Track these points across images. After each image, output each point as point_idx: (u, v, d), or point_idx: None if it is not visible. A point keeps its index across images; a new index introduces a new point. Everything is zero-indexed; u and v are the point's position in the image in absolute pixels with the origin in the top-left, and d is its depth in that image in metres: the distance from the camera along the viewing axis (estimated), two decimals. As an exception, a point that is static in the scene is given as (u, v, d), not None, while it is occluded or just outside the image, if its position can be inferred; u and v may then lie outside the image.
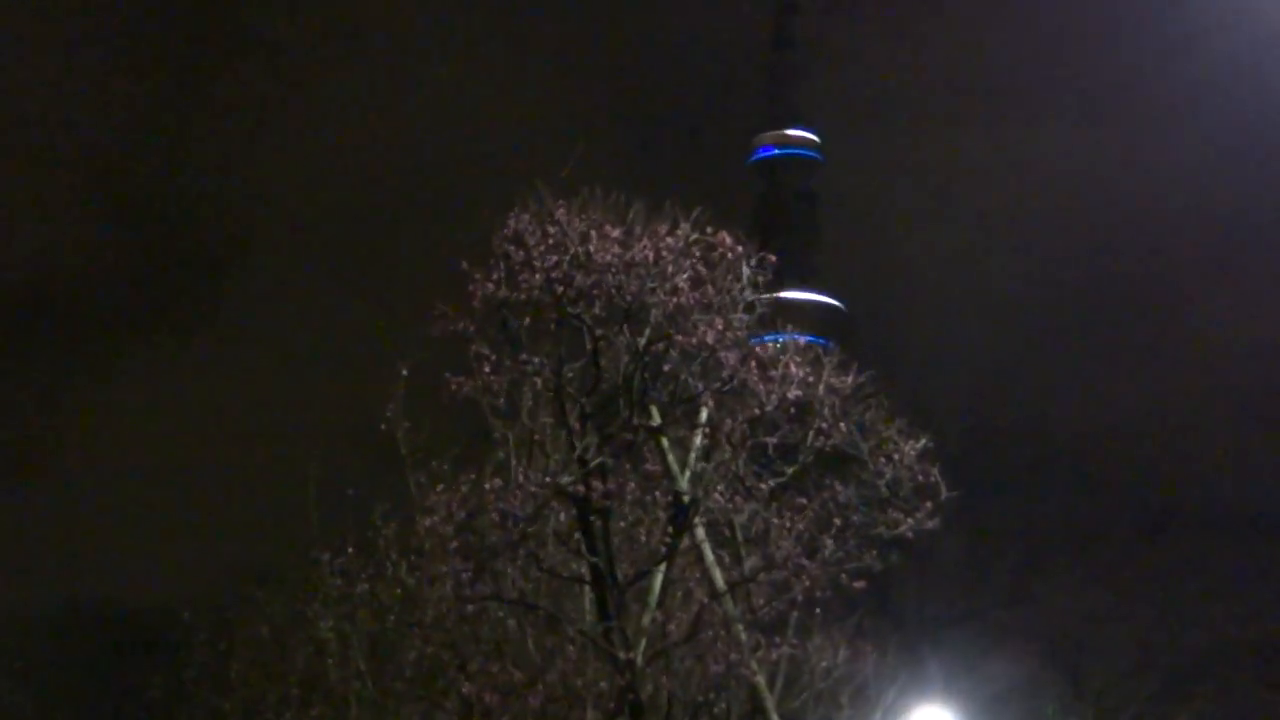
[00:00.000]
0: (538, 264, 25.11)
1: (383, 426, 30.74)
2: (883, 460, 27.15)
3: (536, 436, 25.66)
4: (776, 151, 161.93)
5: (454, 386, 25.66)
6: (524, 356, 25.34)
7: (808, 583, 26.18)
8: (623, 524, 27.04)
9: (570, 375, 26.12)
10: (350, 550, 31.66)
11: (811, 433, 26.92)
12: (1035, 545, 59.05)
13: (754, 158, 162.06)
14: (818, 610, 30.50)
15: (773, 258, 26.23)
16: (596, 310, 25.76)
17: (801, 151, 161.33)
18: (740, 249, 25.92)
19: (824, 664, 29.85)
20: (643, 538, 26.78)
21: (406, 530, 29.29)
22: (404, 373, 30.10)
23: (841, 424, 26.97)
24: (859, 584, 26.78)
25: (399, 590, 30.87)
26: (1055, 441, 65.19)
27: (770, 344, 26.69)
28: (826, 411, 26.71)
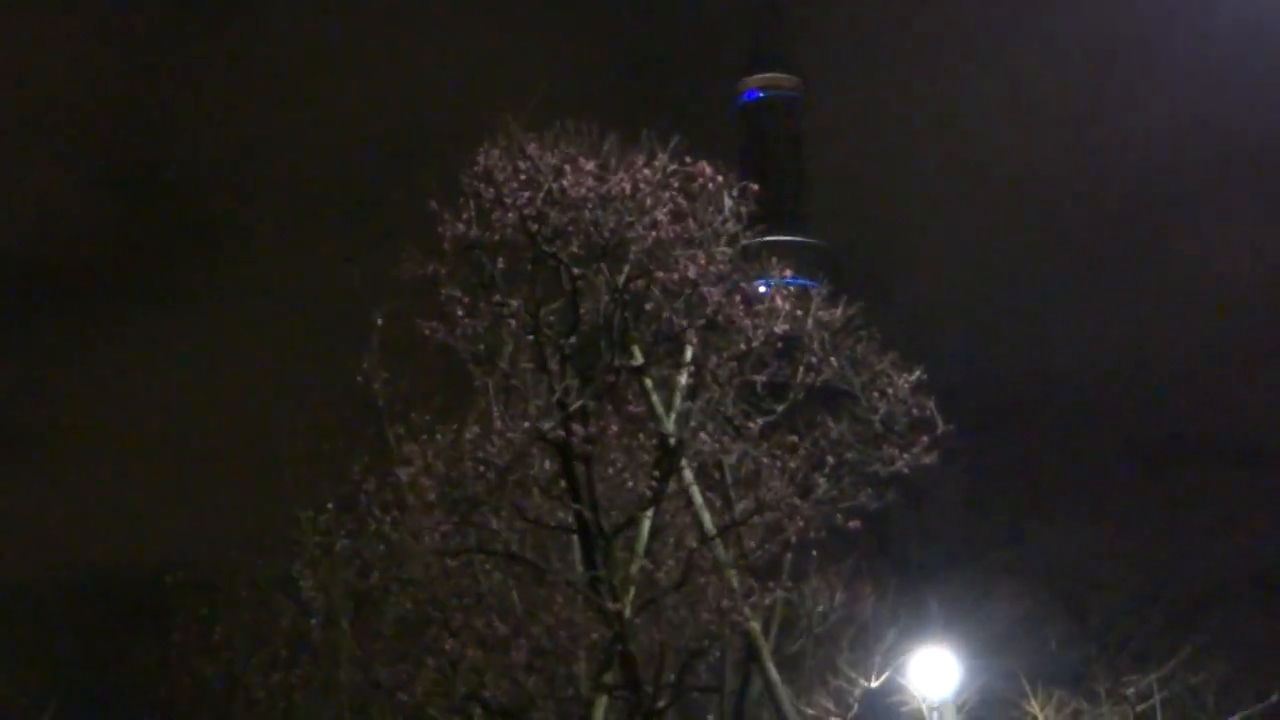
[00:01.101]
0: (509, 201, 23.98)
1: (359, 379, 29.70)
2: (876, 395, 26.06)
3: (513, 381, 24.48)
4: (760, 94, 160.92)
5: (427, 332, 24.54)
6: (498, 298, 24.19)
7: (801, 524, 25.16)
8: (610, 470, 25.96)
9: (549, 316, 25.02)
10: (330, 507, 30.60)
11: (802, 369, 25.81)
12: (1035, 483, 58.26)
13: (738, 101, 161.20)
14: (814, 553, 29.63)
15: (755, 187, 25.18)
16: (574, 248, 24.68)
17: (786, 93, 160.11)
18: (721, 179, 24.74)
19: (820, 608, 28.80)
20: (629, 483, 25.63)
21: (387, 484, 28.21)
22: (379, 321, 29.02)
23: (832, 359, 25.88)
24: (854, 523, 25.74)
25: (382, 546, 29.87)
26: (1053, 379, 64.40)
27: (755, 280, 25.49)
28: (816, 346, 25.59)
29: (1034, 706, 46.88)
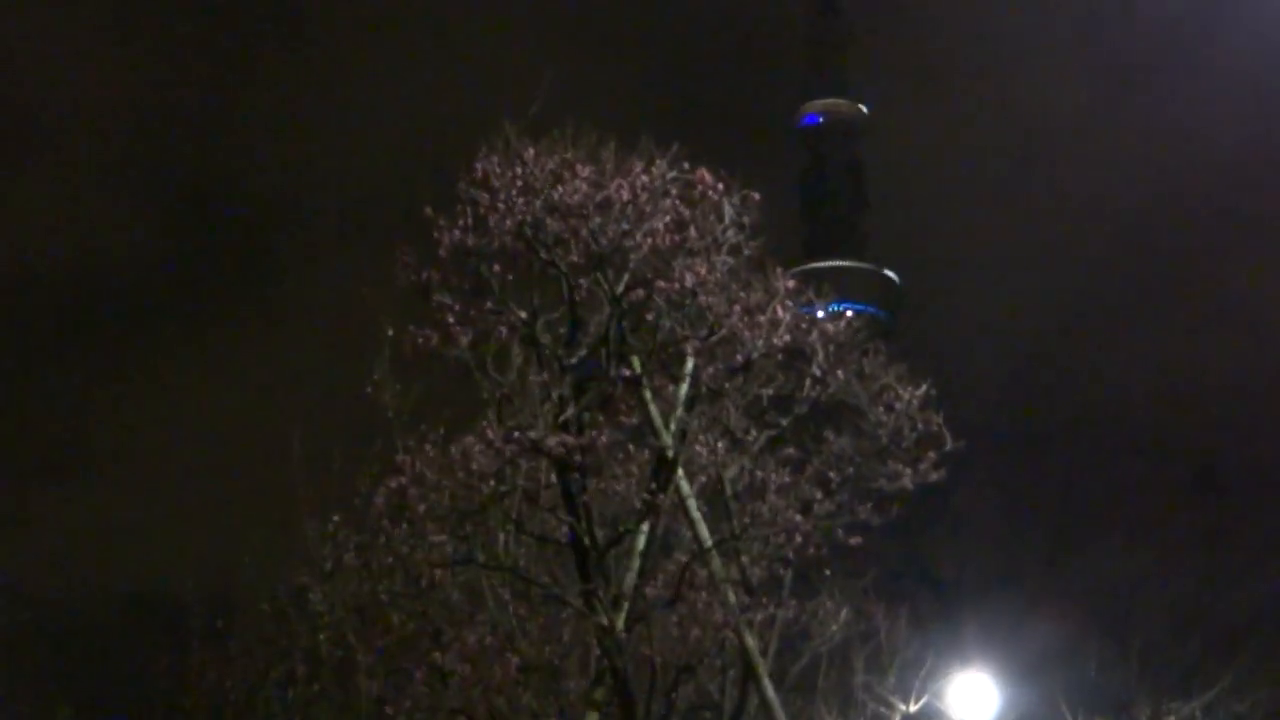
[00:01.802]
0: (502, 207, 23.46)
1: (368, 390, 29.29)
2: (882, 410, 25.42)
3: (505, 390, 23.94)
4: (821, 119, 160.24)
5: (419, 340, 24.04)
6: (490, 305, 23.66)
7: (800, 540, 24.53)
8: (613, 484, 25.42)
9: (549, 326, 24.51)
10: (336, 519, 30.13)
11: (808, 381, 25.21)
12: (1074, 507, 57.67)
13: (798, 126, 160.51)
14: (827, 572, 29.05)
15: (756, 196, 24.45)
16: (574, 257, 24.12)
17: (847, 118, 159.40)
18: (721, 187, 24.13)
19: (833, 627, 28.11)
20: (626, 496, 25.06)
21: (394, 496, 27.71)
22: (389, 332, 28.56)
23: (839, 371, 25.27)
24: (855, 540, 25.08)
25: (391, 559, 29.42)
26: (1098, 404, 63.64)
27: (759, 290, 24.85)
28: (821, 358, 24.98)
29: (1074, 733, 46.20)
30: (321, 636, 31.65)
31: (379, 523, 28.93)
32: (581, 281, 24.36)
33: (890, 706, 37.59)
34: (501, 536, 25.89)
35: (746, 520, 24.71)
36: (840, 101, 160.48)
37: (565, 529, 24.52)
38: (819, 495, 24.68)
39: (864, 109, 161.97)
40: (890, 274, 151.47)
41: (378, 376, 29.17)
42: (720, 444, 24.97)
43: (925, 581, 56.50)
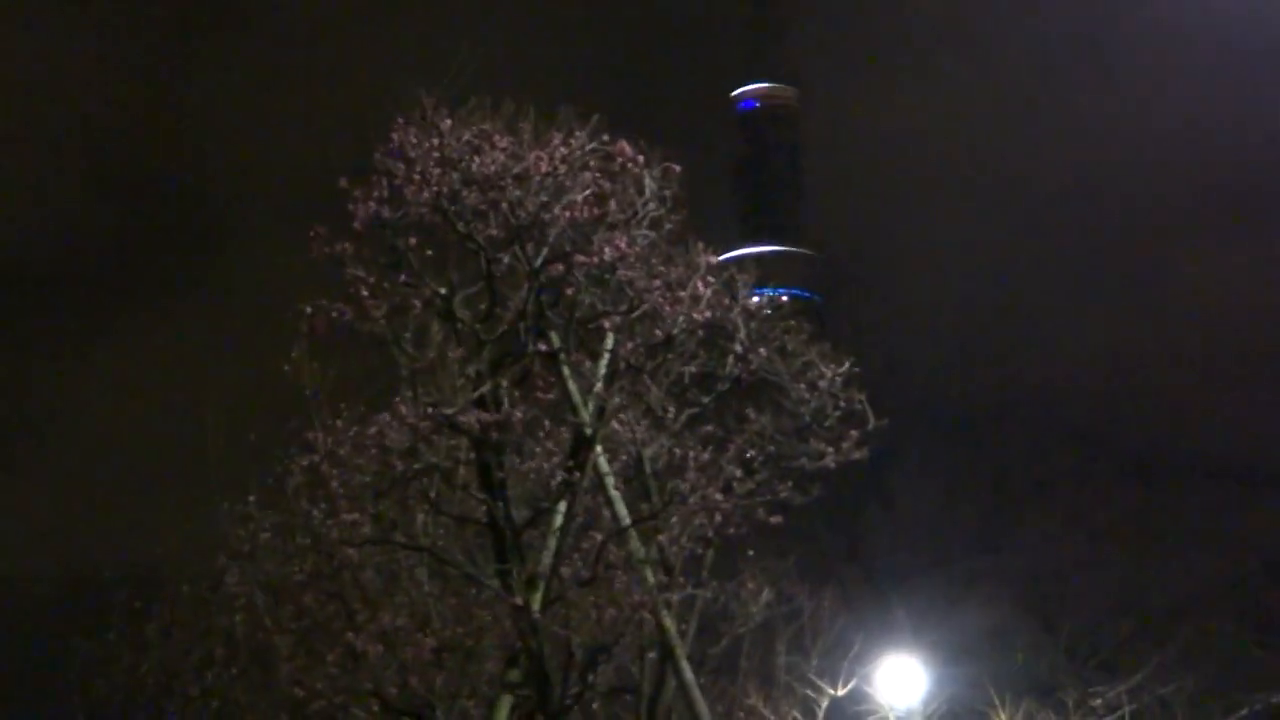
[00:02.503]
0: (418, 179, 22.94)
1: (286, 368, 28.75)
2: (804, 388, 25.02)
3: (419, 366, 23.41)
4: (758, 104, 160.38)
5: (333, 314, 23.51)
6: (403, 278, 23.14)
7: (719, 519, 24.13)
8: (531, 462, 24.95)
9: (468, 301, 24.02)
10: (251, 499, 29.54)
11: (731, 358, 24.82)
12: (1009, 491, 57.37)
13: (736, 111, 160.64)
14: (750, 552, 28.69)
15: (677, 168, 23.99)
16: (493, 230, 23.62)
17: (783, 104, 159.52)
18: (641, 159, 23.66)
19: (753, 608, 27.71)
20: (545, 474, 24.58)
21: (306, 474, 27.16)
22: (307, 310, 28.01)
23: (761, 349, 24.87)
24: (776, 519, 24.70)
25: (309, 539, 28.88)
26: (1034, 388, 63.25)
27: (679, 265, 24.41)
28: (743, 335, 24.57)
29: (1002, 717, 45.87)
30: (238, 618, 31.03)
31: (296, 502, 28.49)
32: (501, 256, 23.85)
33: (818, 690, 37.26)
34: (420, 516, 25.38)
35: (665, 499, 24.27)
36: (777, 86, 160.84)
37: (483, 508, 24.03)
38: (739, 474, 24.24)
39: (799, 93, 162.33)
40: (821, 258, 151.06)
41: (295, 354, 28.69)
42: (640, 422, 24.52)
43: (856, 563, 56.18)
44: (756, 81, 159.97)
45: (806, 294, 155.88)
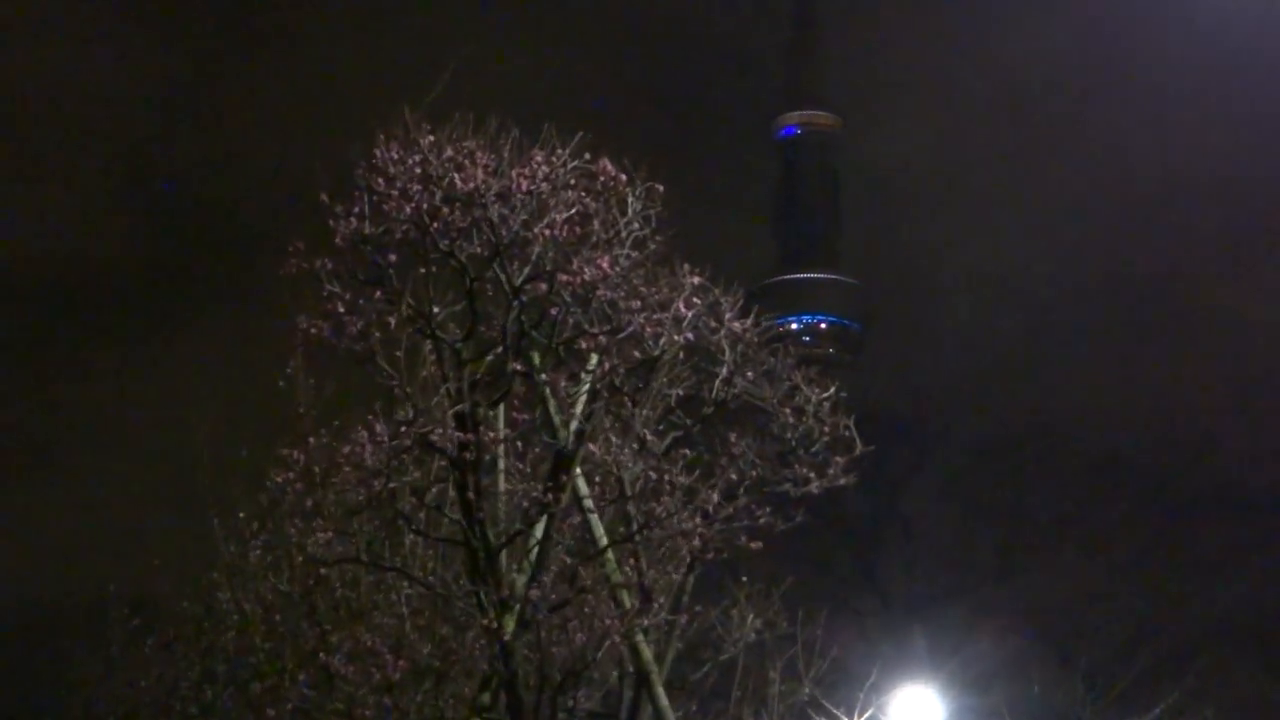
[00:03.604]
0: (396, 193, 22.69)
1: (280, 384, 28.62)
2: (790, 412, 24.69)
3: (394, 383, 23.13)
4: (798, 131, 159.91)
5: (311, 330, 23.27)
6: (379, 294, 22.88)
7: (697, 543, 23.80)
8: (509, 482, 24.70)
9: (450, 319, 23.75)
10: (241, 515, 29.37)
11: (719, 382, 24.49)
12: (1027, 519, 56.99)
13: (777, 137, 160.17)
14: (744, 579, 28.40)
15: (660, 188, 23.64)
16: (475, 248, 23.35)
17: (824, 131, 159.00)
18: (624, 178, 23.35)
19: (738, 634, 27.32)
20: (523, 495, 24.31)
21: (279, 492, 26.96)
22: (303, 326, 27.85)
23: (748, 372, 24.54)
24: (755, 545, 24.35)
25: (300, 558, 28.69)
26: (1056, 416, 62.92)
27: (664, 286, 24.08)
28: (728, 357, 24.23)
29: (1020, 748, 45.63)
30: (230, 635, 30.84)
31: (285, 519, 28.32)
32: (483, 274, 23.59)
33: (832, 718, 36.80)
34: (408, 537, 25.21)
35: (643, 521, 23.96)
36: (818, 113, 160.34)
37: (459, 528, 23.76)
38: (716, 499, 23.93)
39: (840, 119, 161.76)
40: (860, 285, 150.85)
41: (291, 370, 28.57)
42: (621, 444, 24.21)
43: (873, 591, 55.87)
44: (797, 108, 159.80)
45: (846, 321, 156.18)
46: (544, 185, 23.08)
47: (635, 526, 24.33)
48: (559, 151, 23.22)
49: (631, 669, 25.41)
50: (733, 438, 24.65)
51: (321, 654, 24.46)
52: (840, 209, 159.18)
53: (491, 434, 23.26)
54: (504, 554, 23.62)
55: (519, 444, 24.49)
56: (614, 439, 24.39)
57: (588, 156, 23.34)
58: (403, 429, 22.69)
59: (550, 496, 23.39)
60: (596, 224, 23.47)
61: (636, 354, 23.61)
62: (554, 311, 23.65)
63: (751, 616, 27.30)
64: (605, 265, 23.22)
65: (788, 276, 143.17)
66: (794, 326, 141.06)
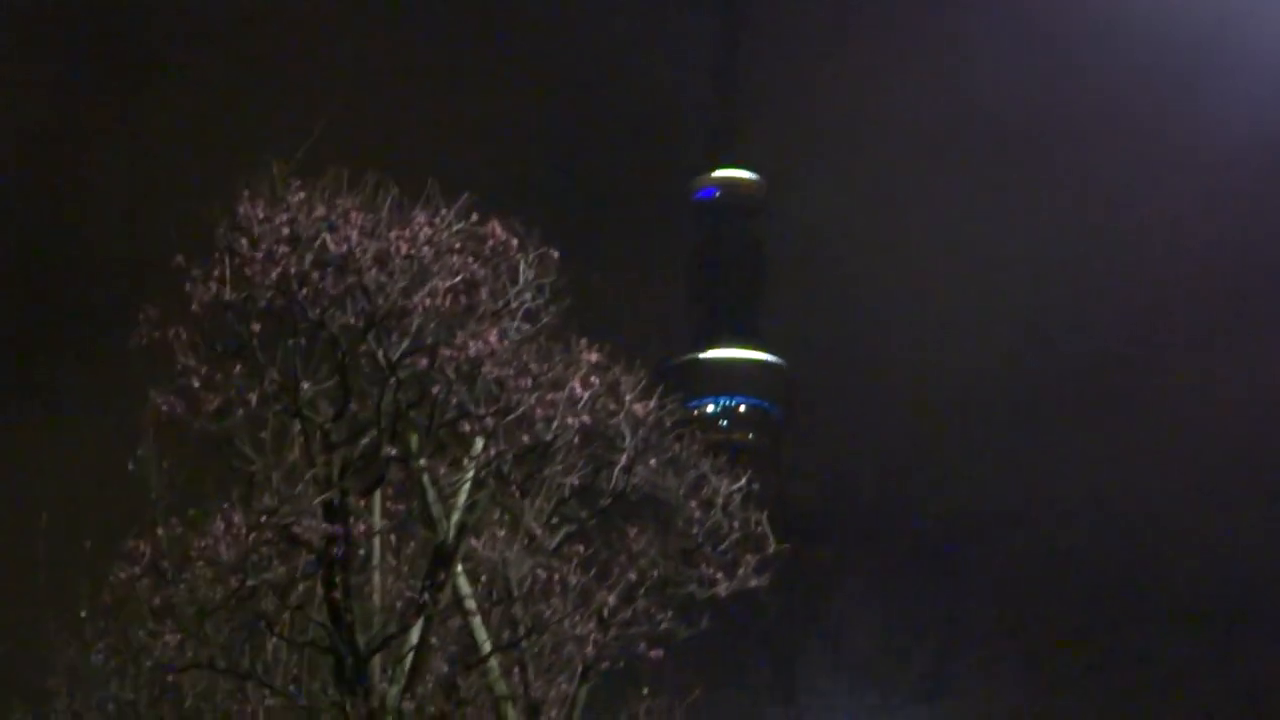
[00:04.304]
0: (261, 255, 22.65)
1: (129, 467, 28.38)
2: (695, 505, 24.76)
3: (254, 469, 23.03)
4: (718, 193, 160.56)
5: (163, 407, 23.16)
6: (239, 367, 22.79)
7: (591, 651, 23.79)
8: (382, 579, 24.61)
9: (319, 396, 23.66)
10: (82, 614, 29.05)
11: (618, 470, 24.53)
12: (961, 628, 57.23)
13: (694, 200, 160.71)
14: (645, 690, 28.31)
15: (555, 254, 23.75)
16: (348, 318, 23.29)
17: (746, 193, 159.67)
18: (515, 243, 23.42)
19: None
20: (396, 594, 24.22)
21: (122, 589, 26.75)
22: (157, 402, 27.69)
23: (651, 460, 24.60)
24: (656, 653, 24.37)
25: (148, 662, 28.44)
26: (991, 514, 63.20)
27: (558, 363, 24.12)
28: (629, 444, 24.29)
29: None
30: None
31: (131, 620, 28.06)
32: (357, 347, 23.56)
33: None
34: (270, 641, 25.04)
35: (530, 625, 23.95)
36: (739, 174, 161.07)
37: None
38: (613, 601, 23.96)
39: (763, 183, 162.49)
40: (783, 365, 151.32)
41: (141, 452, 28.35)
42: (508, 539, 24.20)
43: (791, 706, 55.94)
44: (716, 168, 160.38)
45: (766, 404, 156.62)
46: (426, 249, 23.12)
47: (522, 631, 24.27)
48: (443, 212, 23.26)
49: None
50: (632, 533, 24.69)
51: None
52: (763, 279, 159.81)
53: (363, 526, 23.22)
54: (375, 661, 23.48)
55: (394, 538, 24.38)
56: (500, 533, 24.33)
57: (475, 218, 23.39)
58: (263, 519, 22.61)
59: (427, 597, 23.31)
60: (484, 293, 23.54)
61: (526, 438, 23.61)
62: (435, 390, 23.64)
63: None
64: (493, 339, 23.26)
65: (704, 354, 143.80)
66: (710, 409, 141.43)
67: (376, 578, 24.39)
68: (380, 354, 23.33)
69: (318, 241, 23.03)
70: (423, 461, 23.81)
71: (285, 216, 22.98)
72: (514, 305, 23.58)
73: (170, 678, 24.33)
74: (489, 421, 23.81)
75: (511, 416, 23.65)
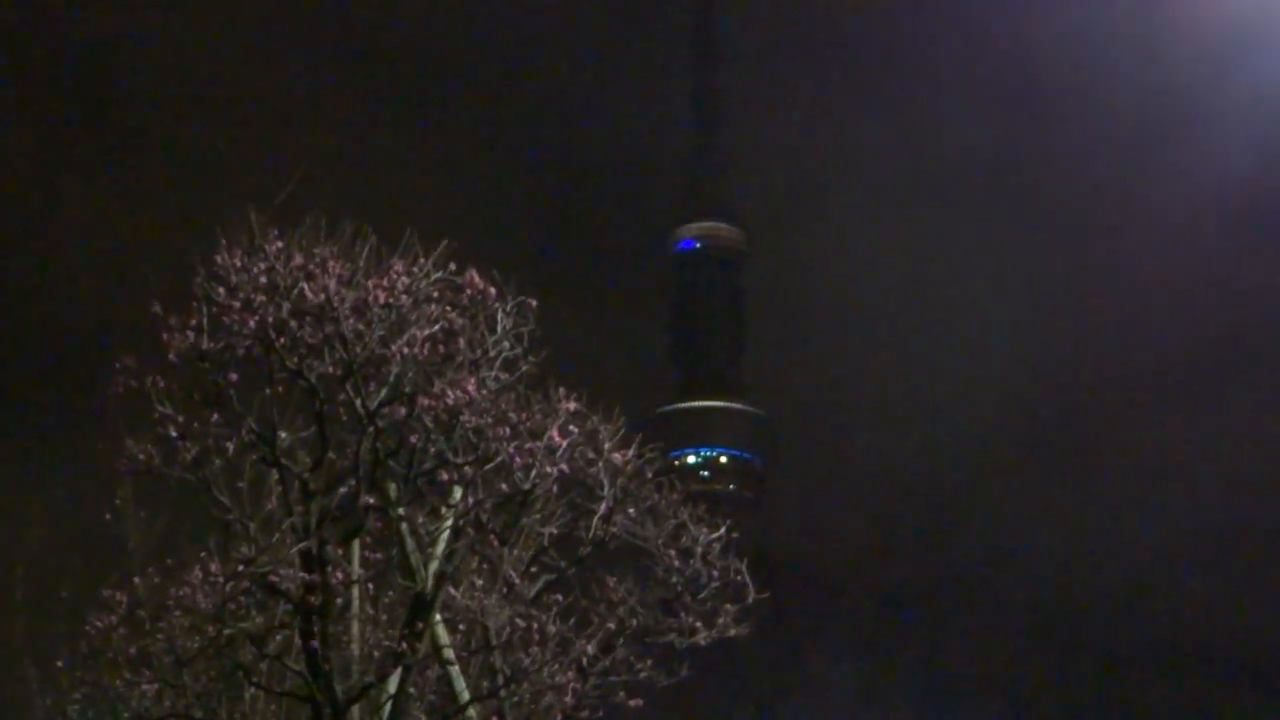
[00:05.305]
0: (238, 305, 22.57)
1: (107, 516, 28.27)
2: (674, 554, 24.66)
3: (231, 518, 22.92)
4: (697, 244, 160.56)
5: (141, 456, 23.05)
6: (216, 417, 22.69)
7: (570, 700, 23.67)
8: (361, 628, 24.48)
9: (298, 445, 23.57)
10: (59, 663, 28.92)
11: (597, 519, 24.42)
12: (945, 677, 57.14)
13: (675, 251, 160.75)
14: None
15: (533, 303, 23.69)
16: (328, 367, 23.21)
17: (726, 244, 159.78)
18: (493, 292, 23.35)
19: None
20: (374, 643, 24.09)
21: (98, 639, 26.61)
22: (132, 451, 27.59)
23: (630, 509, 24.50)
24: (635, 702, 24.25)
25: (125, 713, 28.29)
26: (974, 565, 63.27)
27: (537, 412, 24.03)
28: (608, 493, 24.19)
29: None
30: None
31: (108, 669, 27.91)
32: (335, 396, 23.47)
33: None
34: (247, 690, 24.92)
35: (509, 674, 23.82)
36: (719, 225, 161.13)
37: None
38: (592, 650, 23.84)
39: (743, 234, 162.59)
40: (763, 415, 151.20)
41: (119, 501, 28.23)
42: (487, 588, 24.08)
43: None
44: (696, 219, 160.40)
45: (747, 455, 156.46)
46: (404, 298, 23.07)
47: (501, 680, 24.15)
48: (421, 261, 23.19)
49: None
50: (611, 582, 24.58)
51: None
52: (744, 330, 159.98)
53: (341, 575, 23.08)
54: (354, 710, 23.37)
55: (371, 587, 24.26)
56: (478, 582, 24.21)
57: (453, 267, 23.32)
58: (241, 568, 22.49)
59: (406, 646, 23.19)
60: (462, 342, 23.48)
61: (505, 487, 23.51)
62: (413, 439, 23.53)
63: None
64: (471, 388, 23.18)
65: (685, 405, 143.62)
66: (690, 460, 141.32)
67: (355, 627, 24.27)
68: (358, 403, 23.22)
69: (295, 290, 22.92)
70: (401, 510, 23.68)
71: (263, 265, 22.89)
72: (492, 354, 23.51)
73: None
74: (467, 470, 23.68)
75: (490, 465, 23.55)
